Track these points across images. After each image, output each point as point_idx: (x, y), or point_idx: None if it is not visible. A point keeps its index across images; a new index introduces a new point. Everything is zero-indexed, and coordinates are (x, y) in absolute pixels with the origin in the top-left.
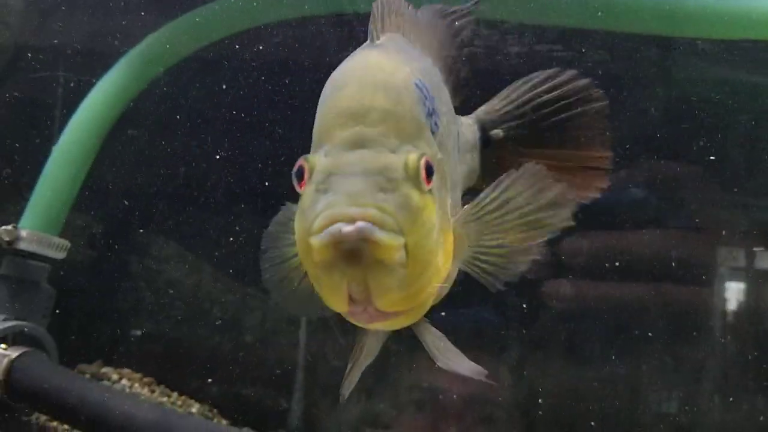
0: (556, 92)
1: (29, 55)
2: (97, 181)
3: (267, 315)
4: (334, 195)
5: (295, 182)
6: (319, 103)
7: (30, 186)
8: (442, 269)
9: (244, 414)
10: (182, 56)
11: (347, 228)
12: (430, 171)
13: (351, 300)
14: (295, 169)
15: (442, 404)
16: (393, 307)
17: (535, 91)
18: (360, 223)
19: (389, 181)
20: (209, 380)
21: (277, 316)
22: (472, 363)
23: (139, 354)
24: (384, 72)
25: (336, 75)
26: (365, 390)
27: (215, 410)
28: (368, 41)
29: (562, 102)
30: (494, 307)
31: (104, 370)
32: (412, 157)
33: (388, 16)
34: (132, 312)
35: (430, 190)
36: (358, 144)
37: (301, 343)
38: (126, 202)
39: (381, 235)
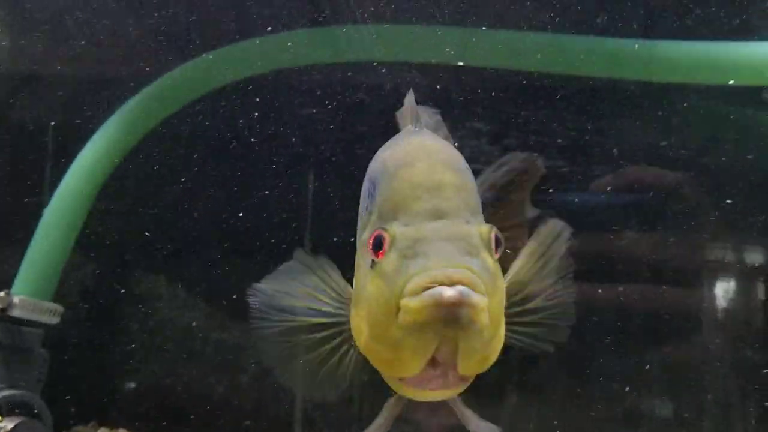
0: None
1: (18, 99)
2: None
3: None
4: (427, 258)
5: (371, 252)
6: (382, 180)
7: (21, 244)
8: (502, 340)
9: None
10: (175, 109)
11: (450, 291)
12: (498, 242)
13: (431, 364)
14: (372, 238)
15: None
16: (472, 370)
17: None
18: (460, 287)
19: (473, 247)
20: None
21: None
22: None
23: (135, 409)
24: (445, 153)
25: (397, 152)
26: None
27: None
28: (411, 127)
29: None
30: None
31: (100, 431)
32: (485, 228)
33: (415, 109)
34: (126, 364)
35: (497, 260)
36: (437, 215)
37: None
38: (118, 250)
39: (477, 298)
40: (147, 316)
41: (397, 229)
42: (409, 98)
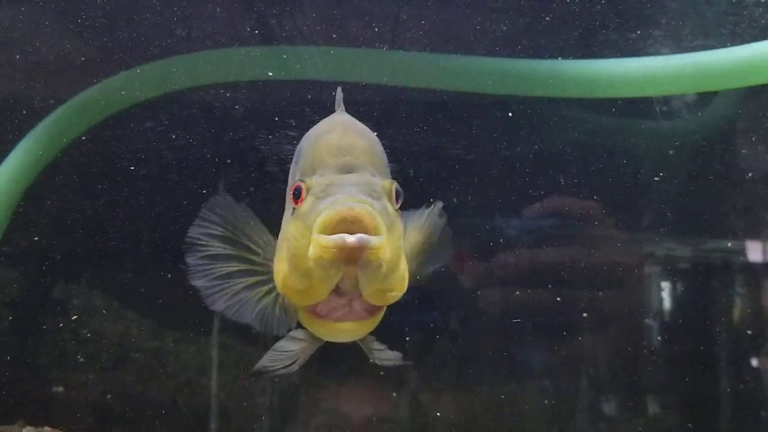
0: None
1: None
2: (13, 236)
3: (190, 360)
4: (335, 196)
5: (291, 199)
6: (305, 146)
7: None
8: (405, 277)
9: None
10: (99, 119)
11: (351, 239)
12: (399, 195)
13: (337, 293)
14: (292, 189)
15: (350, 427)
16: (375, 300)
17: None
18: (360, 234)
19: (375, 192)
20: None
21: (200, 361)
22: (395, 352)
23: (64, 409)
24: (360, 127)
25: (320, 126)
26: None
27: None
28: (336, 112)
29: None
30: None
31: (26, 430)
32: (387, 181)
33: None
34: (55, 366)
35: (397, 210)
36: (348, 168)
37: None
38: (45, 256)
39: (375, 241)
40: (75, 324)
41: (313, 179)
42: (339, 92)
